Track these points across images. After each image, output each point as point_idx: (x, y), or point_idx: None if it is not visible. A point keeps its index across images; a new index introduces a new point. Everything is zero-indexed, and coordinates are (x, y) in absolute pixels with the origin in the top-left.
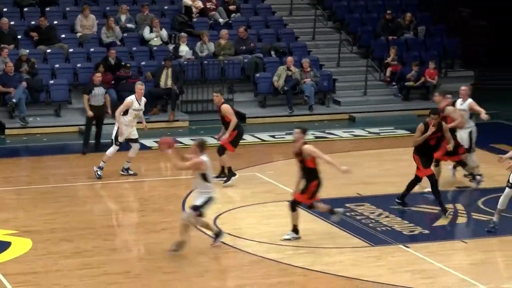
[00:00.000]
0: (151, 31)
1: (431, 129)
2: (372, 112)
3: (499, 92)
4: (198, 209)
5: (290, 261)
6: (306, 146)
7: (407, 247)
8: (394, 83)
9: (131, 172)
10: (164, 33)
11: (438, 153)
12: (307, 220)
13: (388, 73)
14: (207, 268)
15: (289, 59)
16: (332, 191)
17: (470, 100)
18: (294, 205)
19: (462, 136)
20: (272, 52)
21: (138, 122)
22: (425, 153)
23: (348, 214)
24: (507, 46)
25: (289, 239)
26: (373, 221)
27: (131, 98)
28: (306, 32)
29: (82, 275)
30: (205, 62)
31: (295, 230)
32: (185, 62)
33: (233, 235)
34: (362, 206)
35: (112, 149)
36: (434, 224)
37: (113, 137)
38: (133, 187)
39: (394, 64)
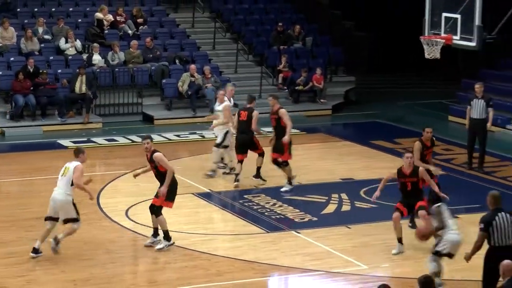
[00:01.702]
0: (66, 42)
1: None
2: (267, 113)
3: (377, 95)
4: None
5: (195, 247)
6: (156, 154)
7: (298, 233)
8: (285, 87)
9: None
10: (78, 43)
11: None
12: (211, 210)
13: (280, 79)
14: (120, 255)
15: (192, 66)
16: (231, 184)
17: (225, 103)
18: (159, 210)
19: (218, 133)
20: (177, 61)
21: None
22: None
23: (246, 204)
24: (384, 55)
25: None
26: (268, 210)
27: (228, 103)
28: (207, 43)
29: (7, 263)
30: (116, 69)
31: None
32: (98, 70)
33: (144, 225)
34: (258, 197)
35: (219, 153)
36: (322, 212)
37: (218, 142)
38: (53, 182)
39: (285, 70)
